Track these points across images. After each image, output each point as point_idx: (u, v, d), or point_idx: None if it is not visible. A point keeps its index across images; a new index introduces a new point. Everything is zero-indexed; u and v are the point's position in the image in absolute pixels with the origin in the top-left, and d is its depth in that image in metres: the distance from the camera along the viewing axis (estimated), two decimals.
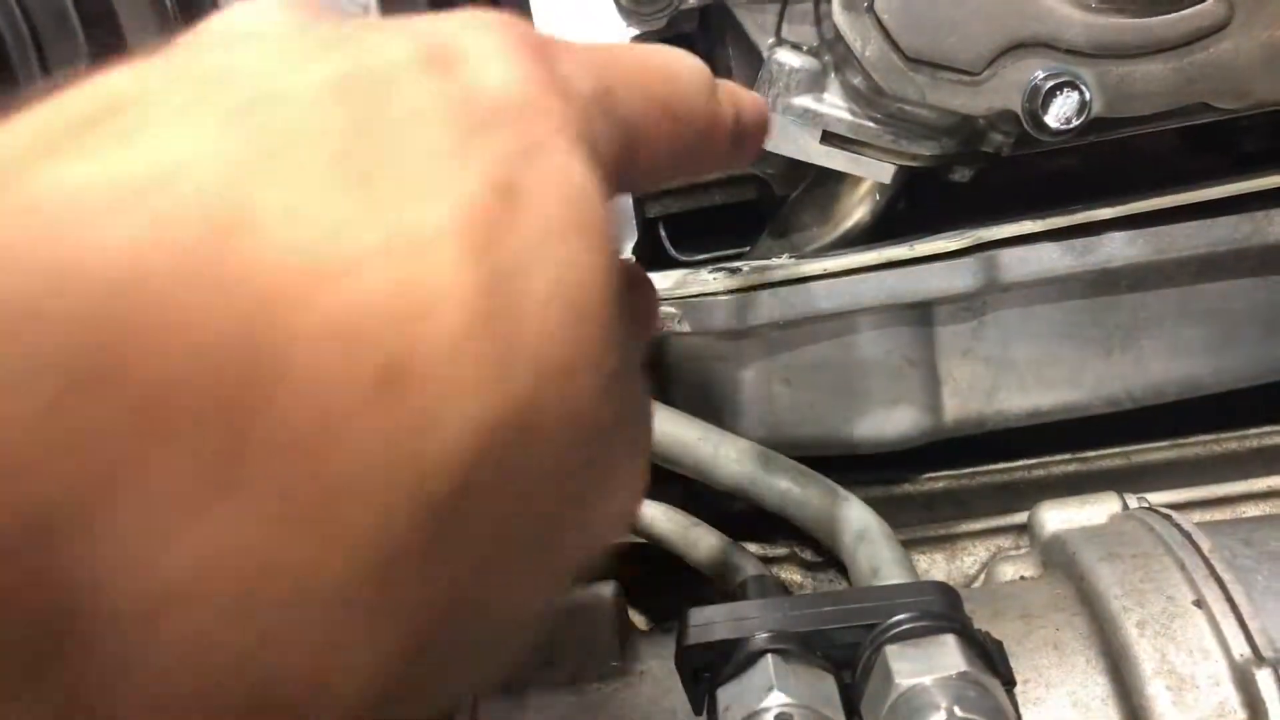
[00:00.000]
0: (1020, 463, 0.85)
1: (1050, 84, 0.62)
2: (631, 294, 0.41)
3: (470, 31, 0.30)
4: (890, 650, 0.50)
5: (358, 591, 0.22)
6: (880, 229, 0.76)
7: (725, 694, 0.51)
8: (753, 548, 0.77)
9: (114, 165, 0.22)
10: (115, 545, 0.19)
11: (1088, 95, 0.62)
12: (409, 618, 0.24)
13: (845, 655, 0.52)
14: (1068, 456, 0.84)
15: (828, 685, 0.50)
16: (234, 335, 0.21)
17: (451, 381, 0.24)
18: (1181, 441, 0.83)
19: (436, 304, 0.24)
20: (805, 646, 0.51)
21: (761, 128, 0.46)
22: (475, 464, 0.24)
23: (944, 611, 0.52)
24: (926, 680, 0.47)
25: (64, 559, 0.19)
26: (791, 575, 0.79)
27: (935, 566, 0.80)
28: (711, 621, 0.54)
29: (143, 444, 0.20)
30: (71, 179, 0.22)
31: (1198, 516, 0.71)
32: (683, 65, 0.39)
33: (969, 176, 0.74)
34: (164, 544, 0.20)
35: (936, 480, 0.85)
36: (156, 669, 0.20)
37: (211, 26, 0.31)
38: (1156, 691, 0.53)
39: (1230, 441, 0.84)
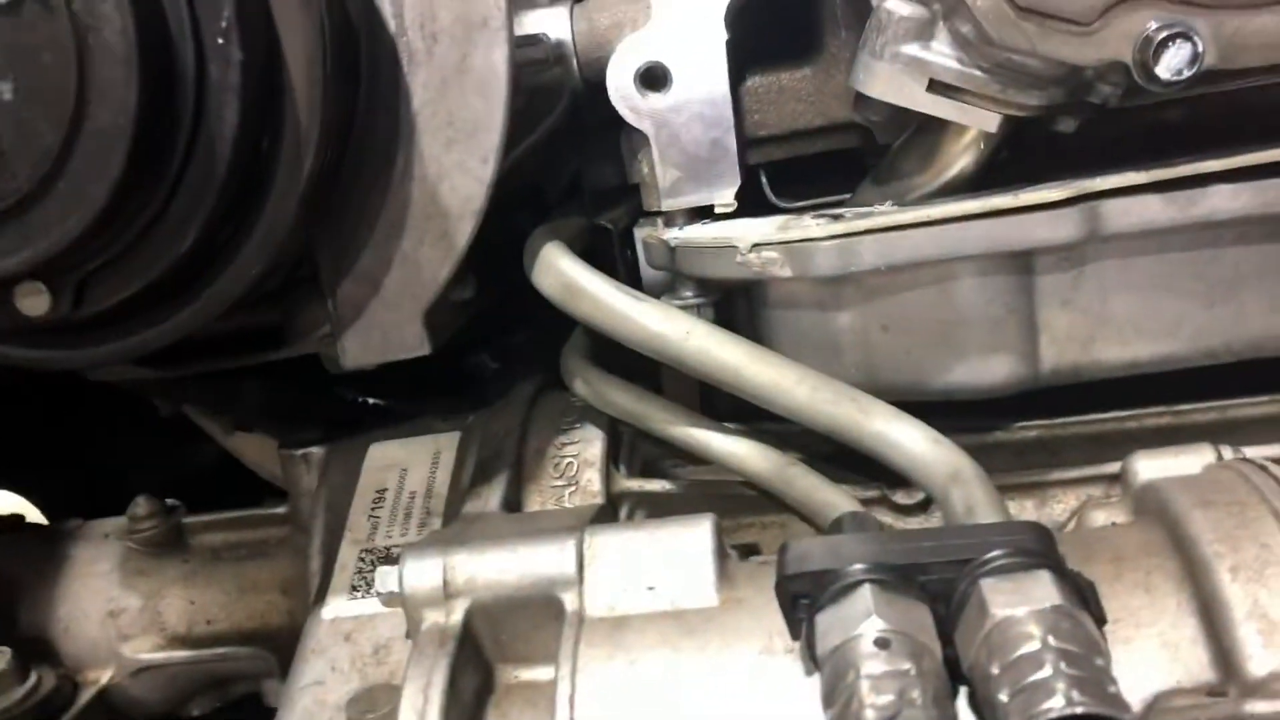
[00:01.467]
0: (1113, 414, 0.85)
1: (1163, 35, 0.62)
2: None
3: None
4: (986, 583, 0.52)
5: None
6: (983, 179, 0.77)
7: (824, 619, 0.53)
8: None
9: None
10: None
11: (1200, 47, 0.62)
12: None
13: (940, 589, 0.54)
14: (1161, 409, 0.85)
15: (924, 614, 0.52)
16: None
17: None
18: (1278, 397, 0.83)
19: None
20: (902, 578, 0.54)
21: None
22: None
23: (1039, 549, 0.53)
24: (1021, 612, 0.49)
25: None
26: (883, 517, 0.81)
27: (1025, 513, 0.81)
28: (810, 553, 0.57)
29: None
30: None
31: None
32: None
33: (1074, 127, 0.74)
34: None
35: (1028, 429, 0.86)
36: None
37: None
38: (1247, 634, 0.54)
39: None
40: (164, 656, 0.96)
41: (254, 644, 0.96)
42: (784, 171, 0.88)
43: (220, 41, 0.58)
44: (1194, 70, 0.62)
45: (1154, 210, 0.70)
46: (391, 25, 0.69)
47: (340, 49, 0.65)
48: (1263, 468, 0.63)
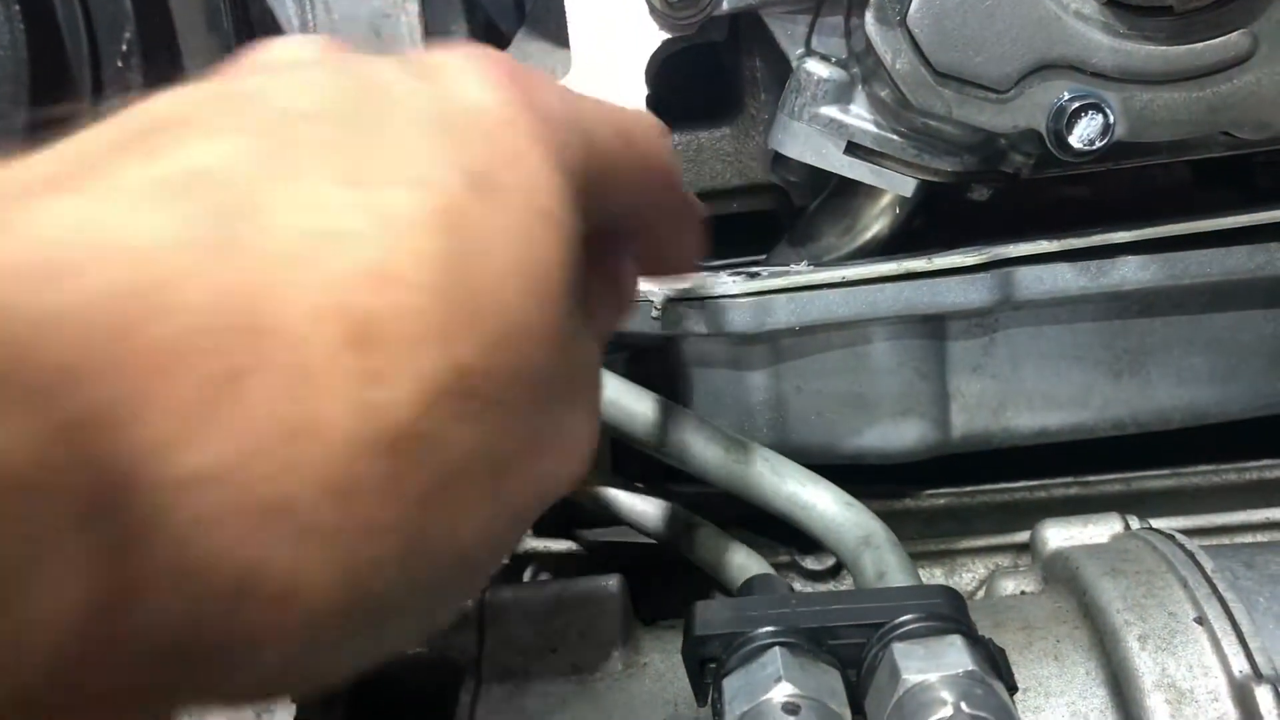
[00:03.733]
0: (1021, 484, 0.86)
1: (1075, 105, 0.63)
2: (600, 285, 0.44)
3: (456, 57, 0.36)
4: (897, 648, 0.50)
5: (317, 515, 0.27)
6: (897, 244, 0.77)
7: (731, 684, 0.51)
8: None
9: (157, 167, 0.28)
10: (148, 437, 0.25)
11: (1112, 118, 0.63)
12: (365, 543, 0.28)
13: (850, 654, 0.52)
14: (1069, 480, 0.85)
15: (834, 680, 0.51)
16: (238, 297, 0.26)
17: (408, 343, 0.28)
18: (1182, 471, 0.84)
19: (402, 277, 0.28)
20: (812, 642, 0.52)
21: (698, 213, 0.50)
22: (425, 413, 0.28)
23: (951, 614, 0.52)
24: (933, 677, 0.48)
25: (112, 442, 0.24)
26: (793, 583, 0.80)
27: (934, 580, 0.80)
28: (719, 615, 0.55)
29: (167, 370, 0.25)
30: (129, 177, 0.28)
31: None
32: (643, 115, 0.46)
33: (987, 196, 0.75)
34: (181, 443, 0.25)
35: (937, 497, 0.86)
36: (176, 535, 0.25)
37: (256, 57, 0.38)
38: (1155, 704, 0.53)
39: (1230, 473, 0.84)
40: None
41: None
42: None
43: (119, 65, 0.56)
44: (1105, 141, 0.63)
45: (1065, 278, 0.71)
46: None
47: None
48: (1170, 537, 0.63)
